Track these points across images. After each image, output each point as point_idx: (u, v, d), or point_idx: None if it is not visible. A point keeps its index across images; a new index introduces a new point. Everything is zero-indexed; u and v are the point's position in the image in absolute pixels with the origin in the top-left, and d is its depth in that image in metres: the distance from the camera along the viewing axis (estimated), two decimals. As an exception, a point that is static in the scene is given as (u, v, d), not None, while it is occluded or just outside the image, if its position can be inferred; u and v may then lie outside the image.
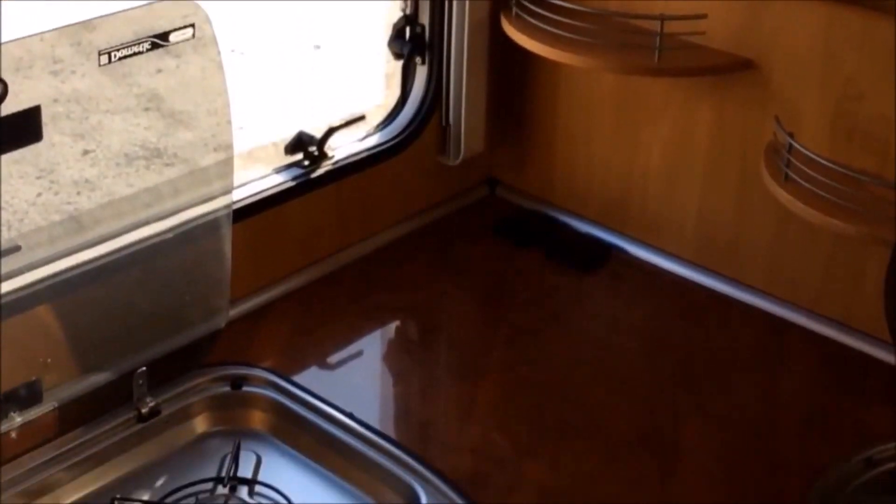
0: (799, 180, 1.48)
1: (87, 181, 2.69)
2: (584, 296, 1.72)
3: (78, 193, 2.64)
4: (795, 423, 1.47)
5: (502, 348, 1.59)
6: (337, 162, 1.70)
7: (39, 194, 2.59)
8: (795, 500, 1.32)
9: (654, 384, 1.53)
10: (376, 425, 1.42)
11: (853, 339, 1.59)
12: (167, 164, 2.49)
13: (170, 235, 1.40)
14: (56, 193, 2.64)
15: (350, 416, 1.43)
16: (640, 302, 1.70)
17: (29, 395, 1.29)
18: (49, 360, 1.30)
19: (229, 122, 1.41)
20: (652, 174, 1.75)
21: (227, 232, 1.45)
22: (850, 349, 1.58)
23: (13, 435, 1.29)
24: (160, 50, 1.28)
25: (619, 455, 1.41)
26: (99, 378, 1.37)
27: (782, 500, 1.33)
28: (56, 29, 1.22)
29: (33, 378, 1.29)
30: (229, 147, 1.42)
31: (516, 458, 1.39)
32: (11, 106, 1.16)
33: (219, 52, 1.34)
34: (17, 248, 1.28)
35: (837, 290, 1.60)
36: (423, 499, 1.31)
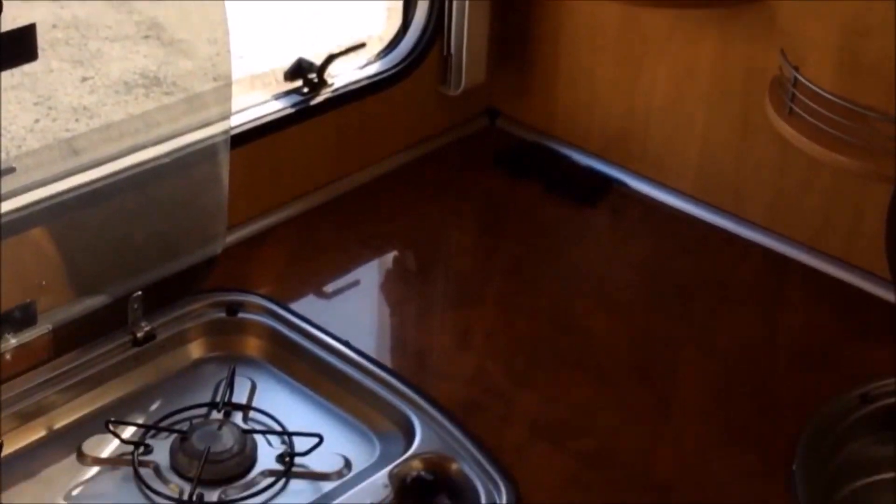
0: (803, 115, 1.46)
1: (85, 108, 2.67)
2: (584, 228, 1.71)
3: (76, 121, 2.62)
4: (792, 357, 1.47)
5: (500, 279, 1.58)
6: (336, 89, 1.68)
7: (37, 121, 2.58)
8: (790, 433, 1.32)
9: (651, 317, 1.53)
10: (372, 353, 1.42)
11: (853, 276, 1.58)
12: (166, 93, 2.47)
13: (167, 160, 1.39)
14: (54, 120, 2.63)
15: (346, 343, 1.43)
16: (639, 235, 1.69)
17: (23, 317, 1.29)
18: (44, 282, 1.29)
19: (229, 52, 1.39)
20: (655, 108, 1.73)
21: (224, 158, 1.44)
22: (849, 286, 1.58)
23: (7, 357, 1.28)
24: (160, -24, 1.26)
25: (615, 386, 1.40)
26: (94, 302, 1.36)
27: (777, 434, 1.33)
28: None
29: (28, 300, 1.28)
30: (228, 76, 1.41)
31: (511, 388, 1.39)
32: (7, 27, 1.14)
33: (219, -21, 1.32)
34: (11, 170, 1.27)
35: (838, 226, 1.59)
36: (418, 427, 1.31)
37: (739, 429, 1.35)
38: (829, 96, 1.44)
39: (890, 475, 1.40)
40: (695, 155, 1.71)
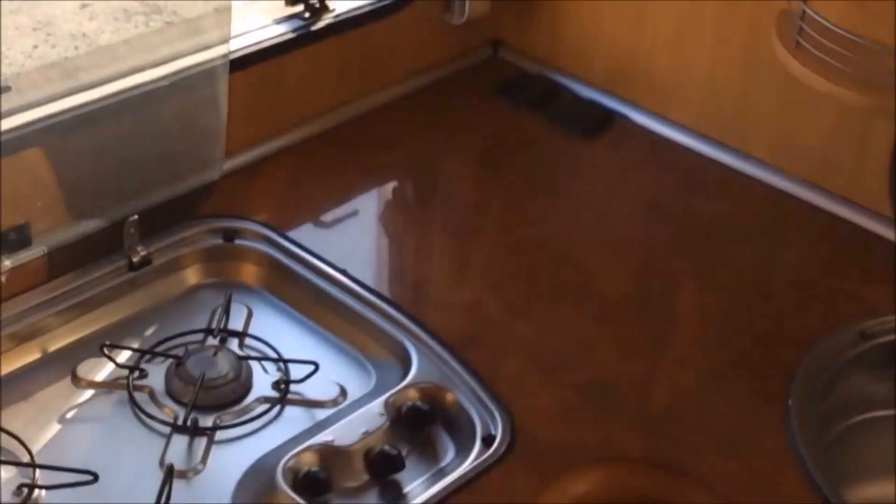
0: (810, 49, 1.44)
1: (84, 35, 2.64)
2: (585, 161, 1.69)
3: (76, 48, 2.59)
4: (791, 294, 1.46)
5: (499, 210, 1.57)
6: (338, 15, 1.65)
7: (36, 46, 2.55)
8: (787, 369, 1.32)
9: (651, 251, 1.52)
10: (369, 283, 1.41)
11: (855, 214, 1.57)
12: (166, 22, 2.44)
13: (164, 83, 1.37)
14: (53, 46, 2.60)
15: (343, 272, 1.42)
16: (640, 169, 1.68)
17: (18, 239, 1.28)
18: (39, 203, 1.28)
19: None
20: (660, 40, 1.71)
21: (223, 82, 1.42)
22: (851, 224, 1.57)
23: (2, 278, 1.28)
24: None
25: (613, 319, 1.40)
26: (90, 225, 1.36)
27: (773, 369, 1.33)
28: None
29: (23, 221, 1.27)
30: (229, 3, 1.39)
31: (508, 320, 1.38)
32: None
33: None
34: (7, 89, 1.25)
35: (842, 164, 1.58)
36: (414, 356, 1.31)
37: (736, 363, 1.34)
38: (838, 30, 1.42)
39: (885, 412, 1.40)
40: (699, 89, 1.69)
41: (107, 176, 1.35)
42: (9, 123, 1.22)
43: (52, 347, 1.33)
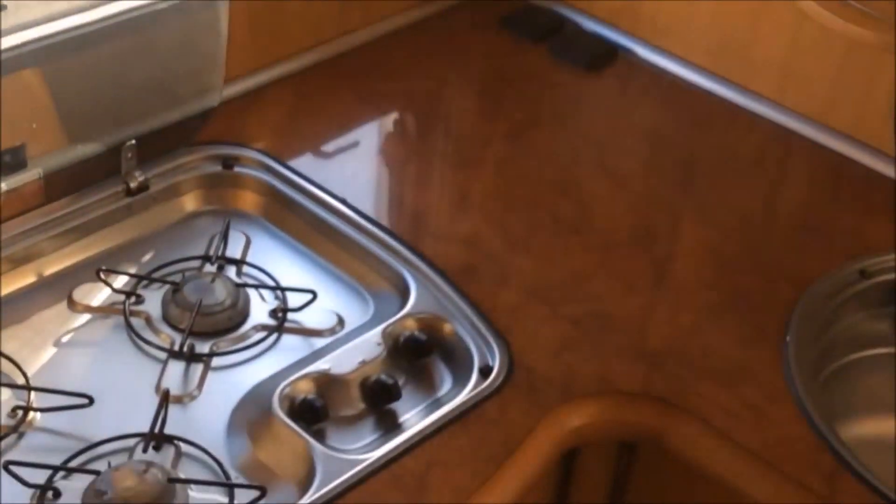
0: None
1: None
2: (588, 95, 1.67)
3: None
4: (793, 231, 1.45)
5: (501, 142, 1.56)
6: (342, -58, 1.63)
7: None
8: (786, 305, 1.31)
9: (652, 186, 1.51)
10: (369, 213, 1.40)
11: (859, 152, 1.55)
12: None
13: (164, 5, 1.35)
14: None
15: (343, 201, 1.41)
16: (644, 104, 1.66)
17: (13, 161, 1.26)
18: (35, 125, 1.27)
19: None
20: (667, -27, 1.68)
21: (223, 6, 1.40)
22: (854, 162, 1.55)
23: (-2, 200, 1.27)
24: None
25: (612, 253, 1.39)
26: (86, 149, 1.34)
27: (773, 305, 1.32)
28: None
29: (18, 143, 1.26)
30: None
31: (507, 252, 1.38)
32: None
33: None
34: (4, 7, 1.23)
35: (847, 101, 1.56)
36: (412, 286, 1.31)
37: (735, 299, 1.34)
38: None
39: (882, 350, 1.40)
40: (706, 24, 1.66)
41: (104, 100, 1.33)
42: (4, 43, 1.20)
43: (49, 271, 1.32)
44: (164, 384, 1.19)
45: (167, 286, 1.29)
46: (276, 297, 1.32)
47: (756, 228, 1.45)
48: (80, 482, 1.08)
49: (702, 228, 1.44)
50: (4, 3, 1.23)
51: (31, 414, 1.15)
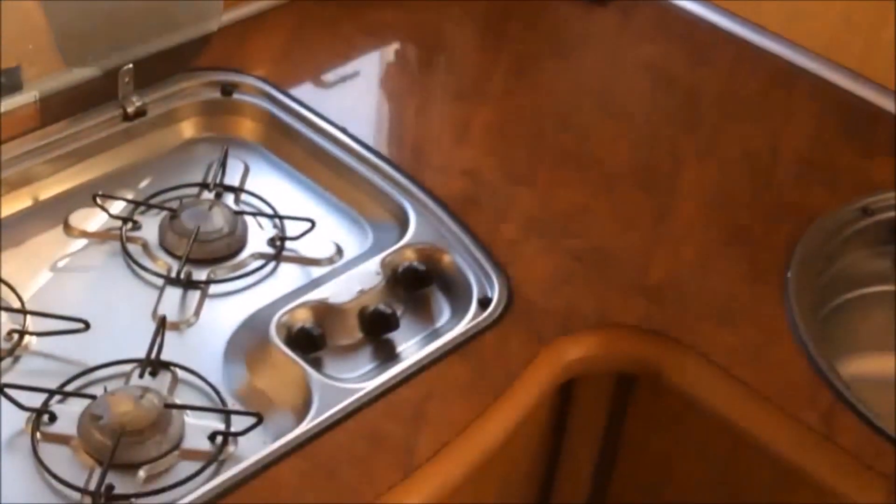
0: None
1: None
2: (592, 30, 1.65)
3: None
4: (796, 169, 1.44)
5: (503, 75, 1.54)
6: None
7: None
8: (787, 242, 1.30)
9: (656, 122, 1.49)
10: (369, 143, 1.38)
11: (865, 90, 1.53)
12: None
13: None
14: None
15: (343, 130, 1.39)
16: (649, 39, 1.64)
17: (9, 83, 1.25)
18: (30, 46, 1.25)
19: None
20: None
21: (222, -73, 1.37)
22: (860, 99, 1.53)
23: (-6, 122, 1.25)
24: None
25: (614, 189, 1.38)
26: (83, 73, 1.32)
27: (774, 242, 1.31)
28: None
29: (14, 64, 1.24)
30: None
31: (508, 185, 1.36)
32: None
33: None
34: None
35: (855, 38, 1.54)
36: (412, 217, 1.29)
37: (736, 236, 1.33)
38: None
39: (882, 288, 1.39)
40: (713, -44, 1.64)
41: (101, 22, 1.31)
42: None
43: (44, 196, 1.30)
44: (161, 311, 1.19)
45: (164, 213, 1.28)
46: (275, 226, 1.31)
47: (759, 165, 1.43)
48: (76, 406, 1.08)
49: (704, 164, 1.42)
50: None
51: (27, 338, 1.14)
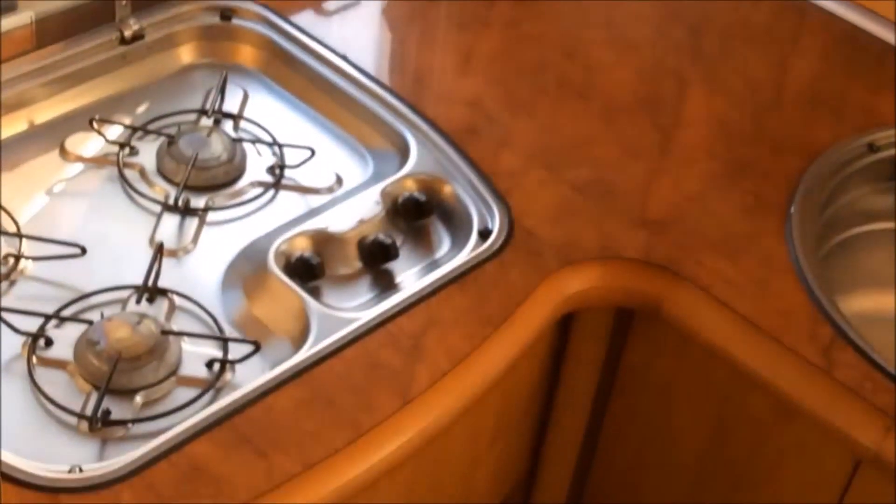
0: None
1: None
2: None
3: None
4: (802, 102, 1.42)
5: (507, 4, 1.51)
6: None
7: None
8: (792, 176, 1.29)
9: (662, 53, 1.47)
10: (370, 71, 1.36)
11: (873, 24, 1.51)
12: None
13: None
14: None
15: (344, 58, 1.37)
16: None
17: (4, 4, 1.22)
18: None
19: None
20: None
21: None
22: (868, 34, 1.51)
23: (-14, 44, 1.23)
24: None
25: (618, 119, 1.36)
26: (79, -5, 1.30)
27: (778, 176, 1.30)
28: None
29: (8, -17, 1.22)
30: None
31: (510, 115, 1.35)
32: None
33: None
34: None
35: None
36: (413, 146, 1.28)
37: (740, 169, 1.31)
38: None
39: (885, 225, 1.38)
40: None
41: (98, -57, 1.29)
42: None
43: (40, 119, 1.28)
44: (158, 237, 1.18)
45: (162, 138, 1.27)
46: (274, 154, 1.29)
47: (765, 99, 1.42)
48: (73, 331, 1.07)
49: (710, 97, 1.41)
50: None
51: (23, 262, 1.13)
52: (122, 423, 1.01)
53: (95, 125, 1.25)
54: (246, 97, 1.35)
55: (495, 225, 1.21)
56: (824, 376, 1.11)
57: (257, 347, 1.07)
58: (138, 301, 1.11)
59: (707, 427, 1.25)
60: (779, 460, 1.19)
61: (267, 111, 1.35)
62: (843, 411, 1.11)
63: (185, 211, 1.21)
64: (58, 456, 0.97)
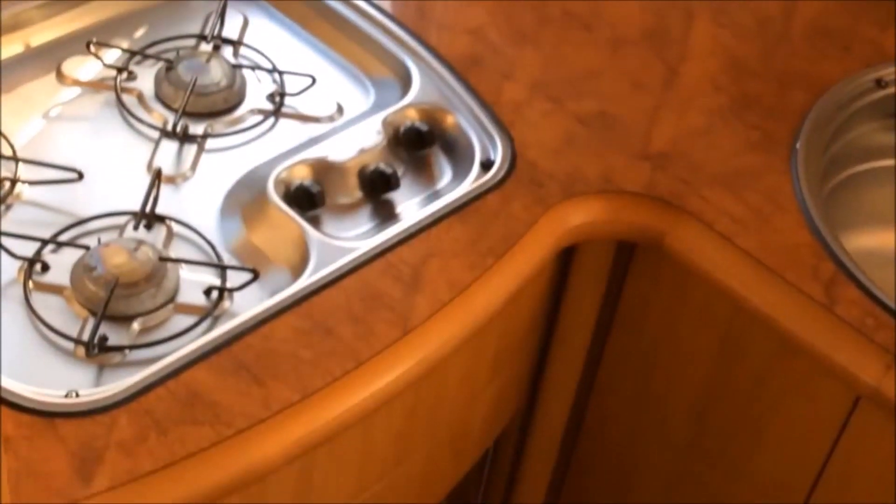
0: None
1: None
2: None
3: None
4: (810, 37, 1.40)
5: (512, -69, 1.48)
6: None
7: None
8: (798, 111, 1.28)
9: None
10: (372, -1, 1.34)
11: (885, -42, 1.49)
12: None
13: None
14: None
15: (345, -16, 1.35)
16: None
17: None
18: None
19: None
20: None
21: None
22: (879, -32, 1.49)
23: (-18, -36, 1.21)
24: None
25: (624, 52, 1.34)
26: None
27: (785, 111, 1.28)
28: None
29: None
30: None
31: (515, 45, 1.33)
32: None
33: None
34: None
35: None
36: (415, 76, 1.26)
37: (746, 103, 1.30)
38: None
39: (890, 163, 1.37)
40: None
41: None
42: None
43: (36, 42, 1.26)
44: (156, 163, 1.16)
45: (160, 63, 1.25)
46: (274, 81, 1.27)
47: (773, 32, 1.40)
48: (70, 257, 1.06)
49: (716, 30, 1.39)
50: None
51: (19, 186, 1.12)
52: (119, 349, 1.01)
53: (93, 49, 1.23)
54: (246, 23, 1.33)
55: (497, 156, 1.19)
56: (826, 313, 1.11)
57: (256, 275, 1.06)
58: (136, 227, 1.10)
59: (707, 363, 1.24)
60: (779, 396, 1.19)
61: (267, 37, 1.33)
62: (844, 348, 1.10)
63: (184, 137, 1.19)
64: (54, 381, 0.96)
